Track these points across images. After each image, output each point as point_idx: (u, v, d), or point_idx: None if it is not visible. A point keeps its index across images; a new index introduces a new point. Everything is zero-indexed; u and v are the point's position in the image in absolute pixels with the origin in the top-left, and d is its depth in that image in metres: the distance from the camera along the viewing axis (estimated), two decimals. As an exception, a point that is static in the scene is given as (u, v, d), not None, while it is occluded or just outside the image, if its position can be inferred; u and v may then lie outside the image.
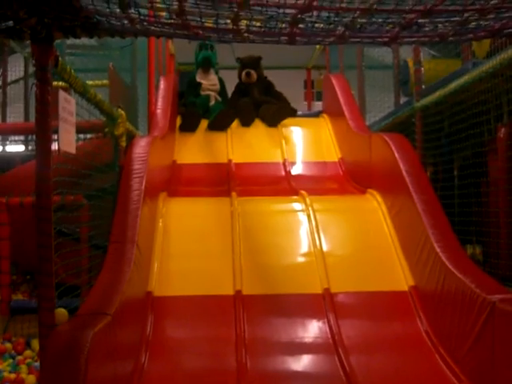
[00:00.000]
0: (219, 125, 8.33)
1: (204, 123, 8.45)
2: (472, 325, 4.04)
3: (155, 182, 5.82)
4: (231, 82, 9.31)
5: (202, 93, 8.94)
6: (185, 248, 5.59)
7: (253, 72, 8.98)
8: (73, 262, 4.93)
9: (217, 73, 9.41)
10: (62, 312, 3.48)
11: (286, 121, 8.53)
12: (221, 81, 9.26)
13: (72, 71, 4.01)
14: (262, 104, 8.72)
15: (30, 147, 10.98)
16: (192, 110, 8.47)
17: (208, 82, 9.01)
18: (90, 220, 5.68)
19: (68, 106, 3.84)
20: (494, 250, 5.68)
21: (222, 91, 9.20)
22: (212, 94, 8.99)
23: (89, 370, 2.99)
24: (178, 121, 8.48)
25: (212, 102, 8.93)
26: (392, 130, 7.44)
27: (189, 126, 8.30)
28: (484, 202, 6.01)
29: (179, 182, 7.22)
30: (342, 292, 5.05)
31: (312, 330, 4.79)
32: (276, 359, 4.50)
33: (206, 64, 9.09)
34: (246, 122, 8.50)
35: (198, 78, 9.04)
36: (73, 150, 3.92)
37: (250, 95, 8.86)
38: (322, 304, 4.94)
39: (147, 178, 5.36)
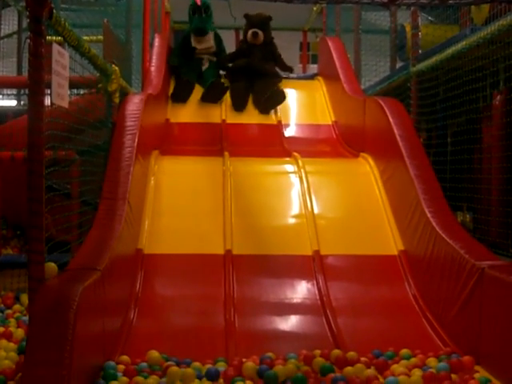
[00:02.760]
0: (211, 97, 7.97)
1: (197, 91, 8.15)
2: (460, 290, 4.06)
3: (148, 140, 5.79)
4: (227, 45, 9.02)
5: (196, 56, 8.49)
6: (176, 206, 5.58)
7: (260, 33, 8.37)
8: (63, 217, 4.92)
9: (213, 29, 8.81)
10: (51, 266, 3.47)
11: (281, 83, 8.48)
12: (217, 37, 8.72)
13: (66, 24, 3.96)
14: (259, 73, 8.18)
15: (22, 102, 10.90)
16: (184, 80, 8.06)
17: (202, 46, 8.51)
18: (82, 176, 5.65)
19: (61, 59, 3.79)
20: (484, 216, 5.70)
21: (219, 49, 8.67)
22: (205, 56, 8.50)
23: (77, 324, 2.99)
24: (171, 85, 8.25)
25: (205, 66, 8.46)
26: (387, 94, 7.41)
27: (180, 97, 7.97)
28: (476, 168, 6.01)
29: (172, 140, 7.18)
30: (331, 254, 5.06)
31: (301, 291, 4.82)
32: (264, 318, 4.52)
33: (199, 33, 8.49)
34: (238, 108, 7.95)
35: (193, 42, 8.50)
36: (65, 104, 3.89)
37: (250, 57, 8.33)
38: (312, 266, 4.96)
39: (140, 136, 5.34)
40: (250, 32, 8.37)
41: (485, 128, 5.97)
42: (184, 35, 8.74)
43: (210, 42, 8.52)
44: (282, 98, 7.96)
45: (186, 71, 8.29)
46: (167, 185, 5.81)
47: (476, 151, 6.01)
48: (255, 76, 8.14)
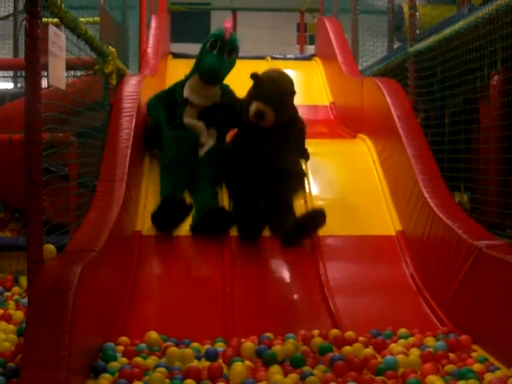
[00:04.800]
0: (209, 228, 5.03)
1: None
2: (457, 270, 4.07)
3: (145, 122, 5.78)
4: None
5: (186, 120, 5.47)
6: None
7: (269, 113, 5.05)
8: (61, 200, 4.92)
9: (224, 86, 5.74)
10: (50, 248, 3.48)
11: (278, 63, 8.43)
12: (226, 94, 5.66)
13: (62, 5, 3.95)
14: (271, 172, 5.11)
15: (19, 84, 10.87)
16: (169, 197, 5.00)
17: (202, 101, 5.54)
18: (79, 158, 5.65)
19: (58, 40, 3.79)
20: (482, 197, 5.71)
21: (229, 117, 5.54)
22: (201, 125, 5.47)
23: (76, 305, 3.00)
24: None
25: (203, 147, 5.43)
26: (384, 75, 7.39)
27: (165, 222, 5.00)
28: (474, 149, 6.01)
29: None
30: (329, 235, 5.06)
31: (299, 271, 4.83)
32: (262, 299, 4.53)
33: (211, 78, 5.49)
34: (248, 237, 5.05)
35: (187, 90, 5.55)
36: (62, 86, 3.89)
37: (256, 145, 5.18)
38: (310, 246, 4.97)
39: (137, 117, 5.33)
40: (253, 108, 5.11)
41: (482, 108, 5.96)
42: (169, 89, 5.84)
43: (216, 94, 5.59)
44: (321, 219, 4.96)
45: (170, 165, 5.29)
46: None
47: (473, 131, 6.00)
48: (267, 178, 5.12)
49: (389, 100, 5.73)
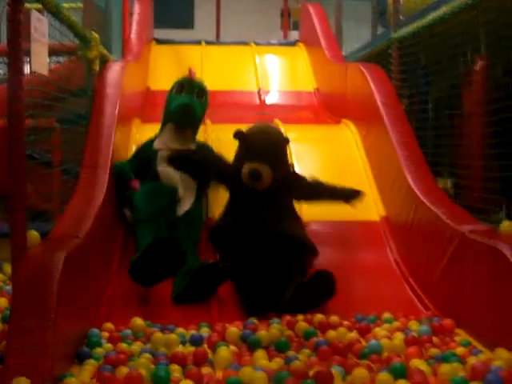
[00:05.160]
0: (194, 295, 4.23)
1: None
2: (441, 255, 4.09)
3: (129, 108, 5.76)
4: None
5: (160, 168, 4.86)
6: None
7: (266, 172, 4.42)
8: (44, 186, 4.90)
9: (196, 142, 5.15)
10: (34, 235, 3.46)
11: (262, 49, 8.43)
12: (201, 147, 5.07)
13: (44, -10, 3.92)
14: (275, 238, 4.39)
15: (1, 71, 10.79)
16: (160, 240, 4.17)
17: (175, 143, 4.95)
18: (63, 145, 5.63)
19: (40, 26, 3.77)
20: (465, 182, 5.74)
21: (205, 171, 4.87)
22: (177, 179, 4.78)
23: (61, 292, 3.00)
24: None
25: (182, 202, 4.73)
26: (368, 61, 7.39)
27: (144, 276, 4.16)
28: (457, 134, 6.04)
29: (153, 108, 7.11)
30: (313, 221, 5.07)
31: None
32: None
33: (185, 120, 4.95)
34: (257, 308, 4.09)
35: (158, 143, 4.96)
36: (45, 72, 3.87)
37: (254, 210, 4.48)
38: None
39: (120, 103, 5.30)
40: (245, 169, 4.44)
41: (466, 93, 5.97)
42: (136, 150, 5.23)
43: (189, 142, 5.02)
44: (329, 291, 4.19)
45: (148, 218, 4.58)
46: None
47: (457, 117, 6.03)
48: (270, 246, 4.38)
49: (373, 86, 5.73)
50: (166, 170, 4.84)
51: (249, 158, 4.45)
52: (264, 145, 4.47)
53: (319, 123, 6.93)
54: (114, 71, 5.66)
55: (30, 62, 3.70)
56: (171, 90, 5.11)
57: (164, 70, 7.90)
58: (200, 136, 5.54)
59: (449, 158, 5.92)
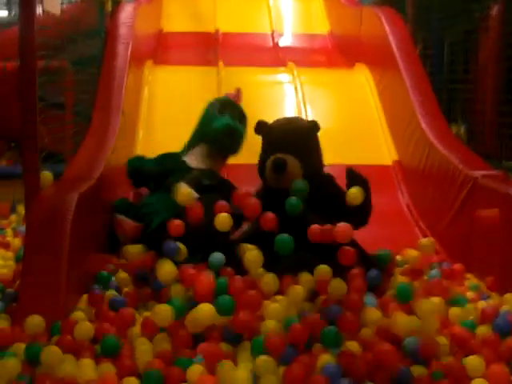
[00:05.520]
0: None
1: None
2: (453, 200, 4.09)
3: (141, 49, 5.72)
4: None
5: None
6: (170, 116, 5.54)
7: (291, 160, 3.51)
8: (57, 128, 4.90)
9: None
10: (47, 175, 3.47)
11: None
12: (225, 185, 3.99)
13: None
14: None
15: (13, 12, 10.72)
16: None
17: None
18: (75, 86, 5.61)
19: (52, -35, 3.72)
20: (478, 128, 5.70)
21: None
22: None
23: (73, 232, 3.02)
24: None
25: None
26: (383, 4, 7.30)
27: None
28: (472, 80, 5.98)
29: (166, 50, 7.08)
30: (325, 165, 5.05)
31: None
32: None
33: (227, 144, 4.15)
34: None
35: (193, 160, 4.07)
36: (57, 12, 3.84)
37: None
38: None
39: (133, 45, 5.27)
40: (270, 164, 3.53)
41: (481, 39, 5.90)
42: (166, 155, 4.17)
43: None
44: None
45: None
46: (161, 95, 5.75)
47: (472, 62, 5.96)
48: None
49: (388, 29, 5.67)
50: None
51: (273, 149, 3.58)
52: (290, 132, 3.64)
53: (333, 66, 6.87)
54: (127, 12, 5.61)
55: (42, 1, 3.67)
56: (211, 107, 4.27)
57: (177, 12, 7.83)
58: (213, 78, 5.51)
59: (463, 103, 5.88)
